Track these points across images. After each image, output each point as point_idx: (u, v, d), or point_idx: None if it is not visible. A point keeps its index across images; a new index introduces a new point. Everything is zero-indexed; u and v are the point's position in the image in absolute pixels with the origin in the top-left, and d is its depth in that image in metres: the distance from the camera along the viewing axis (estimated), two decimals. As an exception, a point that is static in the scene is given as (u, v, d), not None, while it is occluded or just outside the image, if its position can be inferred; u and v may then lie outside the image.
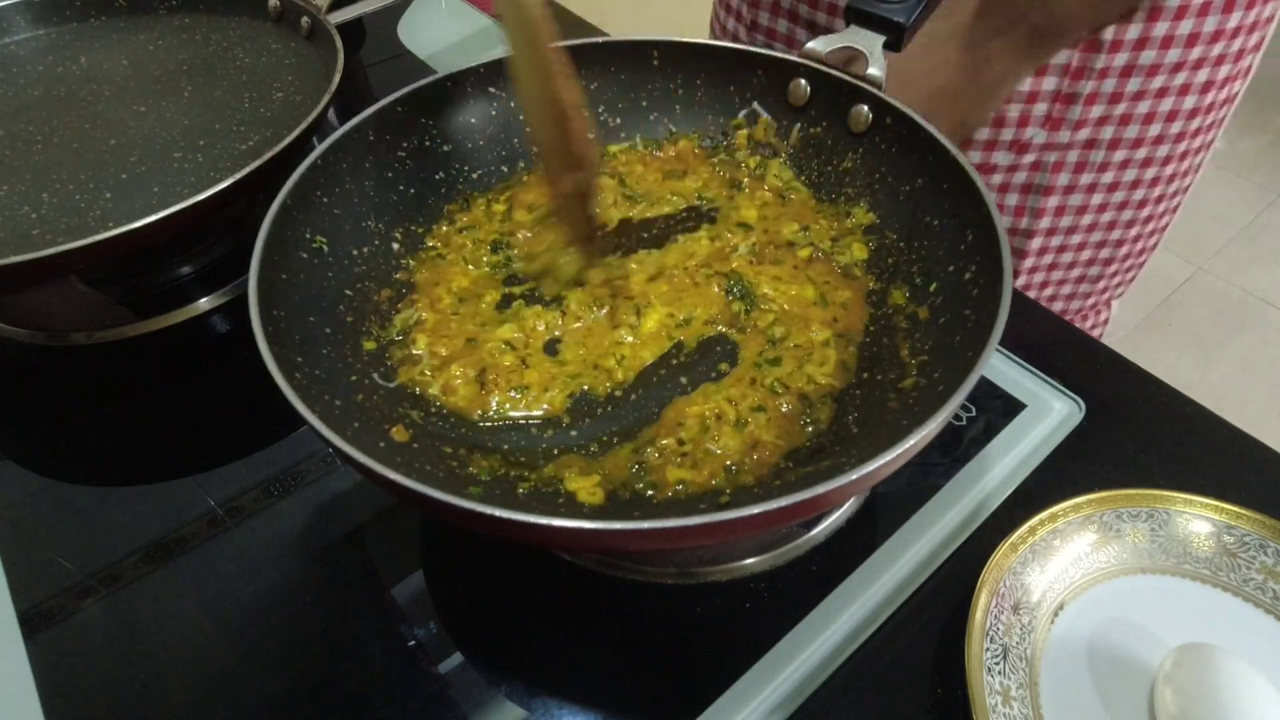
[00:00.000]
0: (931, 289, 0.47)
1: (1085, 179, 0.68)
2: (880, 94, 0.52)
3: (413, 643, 0.45)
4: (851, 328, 0.48)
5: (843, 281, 0.51)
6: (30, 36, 0.80)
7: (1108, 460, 0.49)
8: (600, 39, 0.59)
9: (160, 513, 0.51)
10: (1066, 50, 0.61)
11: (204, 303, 0.63)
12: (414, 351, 0.48)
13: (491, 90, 0.58)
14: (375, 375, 0.46)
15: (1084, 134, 0.66)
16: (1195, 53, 0.61)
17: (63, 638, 0.46)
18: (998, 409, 0.52)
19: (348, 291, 0.49)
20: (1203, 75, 0.63)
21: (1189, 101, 0.64)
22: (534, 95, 0.46)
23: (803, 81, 0.55)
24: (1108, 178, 0.68)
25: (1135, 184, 0.69)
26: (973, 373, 0.35)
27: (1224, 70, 0.64)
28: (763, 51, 0.56)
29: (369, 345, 0.48)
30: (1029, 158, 0.68)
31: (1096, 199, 0.70)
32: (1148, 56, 0.61)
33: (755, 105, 0.58)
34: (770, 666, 0.42)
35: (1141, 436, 0.50)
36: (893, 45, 0.52)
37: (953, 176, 0.47)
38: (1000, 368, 0.55)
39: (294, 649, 0.45)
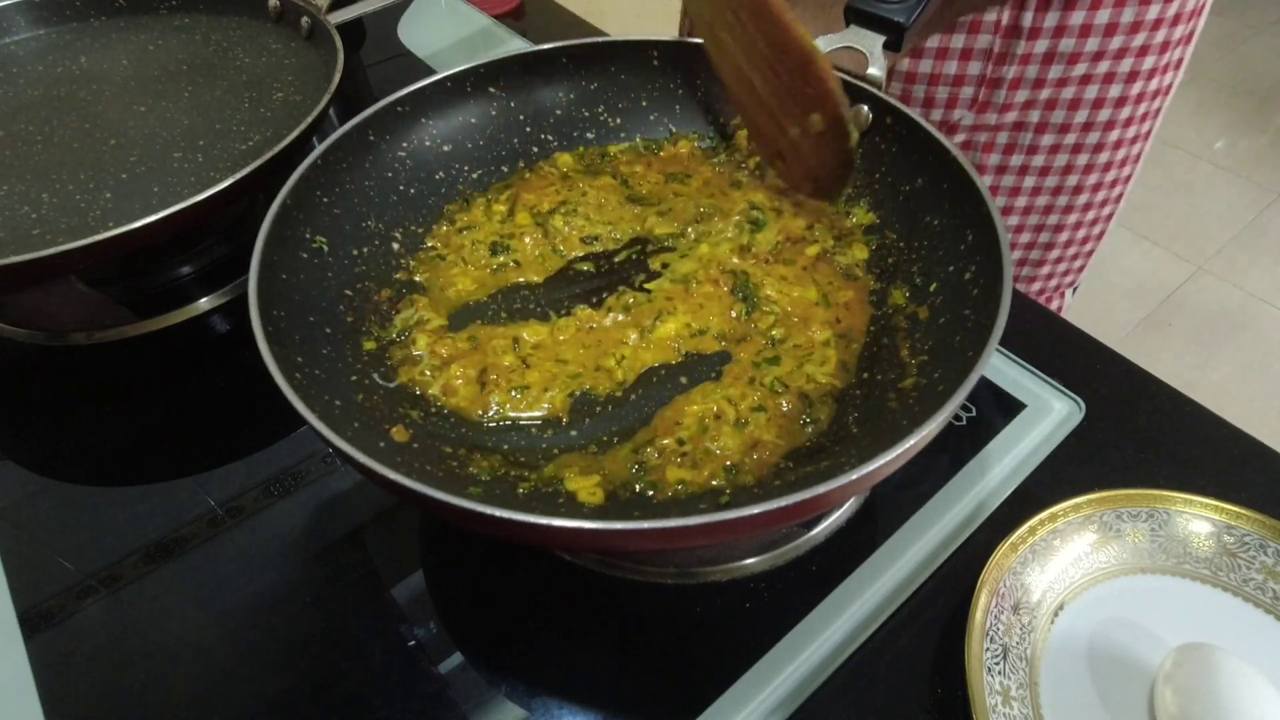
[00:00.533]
0: (931, 289, 0.47)
1: (1015, 160, 0.71)
2: (880, 94, 0.52)
3: (413, 643, 0.45)
4: (853, 328, 0.48)
5: (844, 282, 0.51)
6: (30, 36, 0.80)
7: (1108, 460, 0.49)
8: (600, 39, 0.59)
9: (160, 513, 0.51)
10: (988, 35, 0.63)
11: (204, 303, 0.63)
12: (414, 351, 0.48)
13: (491, 90, 0.58)
14: (375, 375, 0.46)
15: (1011, 116, 0.68)
16: (1115, 42, 0.63)
17: (63, 638, 0.46)
18: (998, 409, 0.52)
19: (348, 291, 0.49)
20: (1126, 65, 0.64)
21: (1114, 90, 0.66)
22: (759, 50, 0.48)
23: (803, 81, 0.55)
24: (1038, 160, 0.71)
25: (1067, 169, 0.71)
26: (973, 373, 0.35)
27: (1149, 61, 0.65)
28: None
29: (369, 345, 0.48)
30: (959, 138, 0.70)
31: (1029, 181, 0.72)
32: (1067, 44, 0.63)
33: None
34: (770, 666, 0.42)
35: (1141, 436, 0.50)
36: (893, 45, 0.52)
37: (953, 176, 0.47)
38: (1000, 368, 0.55)
39: (294, 649, 0.45)
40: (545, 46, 0.58)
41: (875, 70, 0.52)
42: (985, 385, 0.54)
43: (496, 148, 0.59)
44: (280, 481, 0.52)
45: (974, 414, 0.52)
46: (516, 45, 0.90)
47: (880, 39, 0.52)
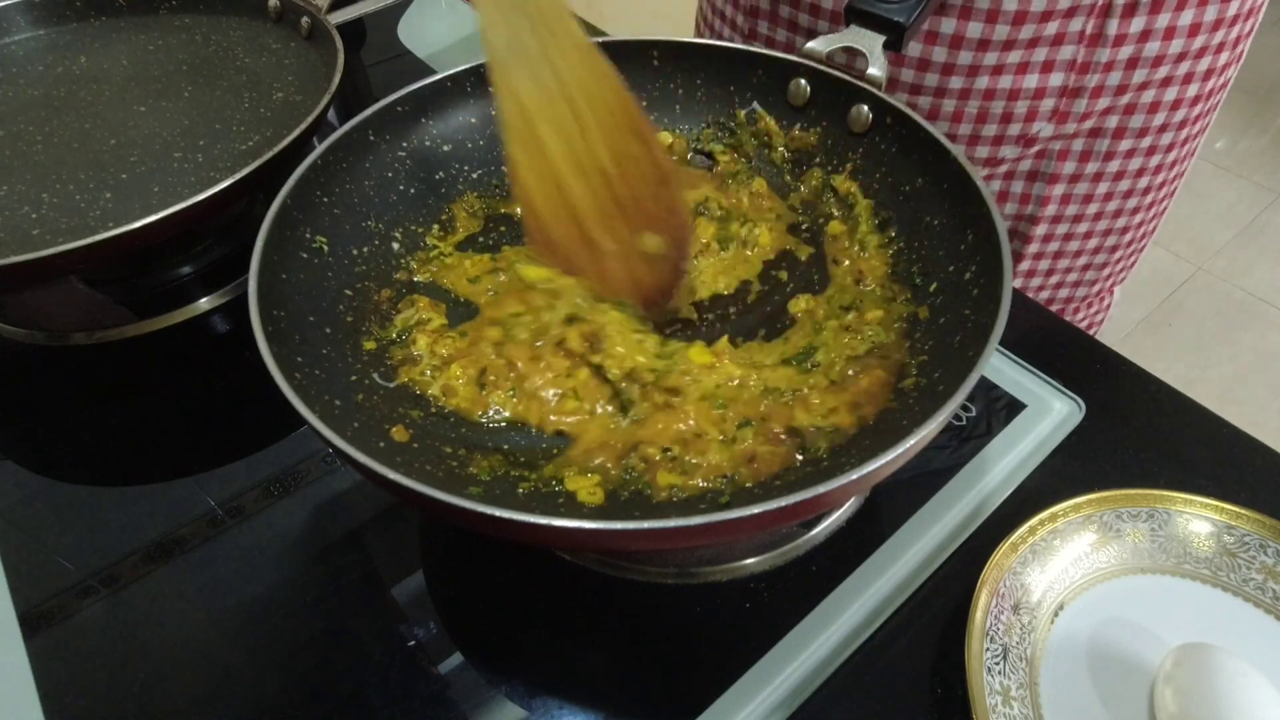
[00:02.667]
0: (932, 289, 0.47)
1: (1091, 168, 0.69)
2: (880, 94, 0.52)
3: (413, 643, 0.45)
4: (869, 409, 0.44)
5: (868, 362, 0.47)
6: (30, 36, 0.80)
7: (1108, 460, 0.49)
8: (600, 39, 0.59)
9: (160, 513, 0.51)
10: (1071, 46, 0.62)
11: (204, 303, 0.63)
12: (414, 351, 0.48)
13: (491, 90, 0.58)
14: (375, 375, 0.46)
15: (1090, 124, 0.66)
16: (1198, 41, 0.62)
17: (63, 638, 0.46)
18: (998, 409, 0.52)
19: (348, 291, 0.49)
20: (1205, 63, 0.64)
21: (1192, 89, 0.65)
22: (596, 159, 0.44)
23: (803, 81, 0.55)
24: (1113, 166, 0.69)
25: (1140, 171, 0.70)
26: (973, 373, 0.35)
27: (1224, 56, 0.64)
28: (763, 51, 0.56)
29: (369, 345, 0.48)
30: (1034, 149, 0.68)
31: (1102, 187, 0.71)
32: (1152, 49, 0.62)
33: (755, 105, 0.58)
34: (770, 666, 0.42)
35: (1141, 436, 0.50)
36: (893, 45, 0.52)
37: (953, 176, 0.47)
38: (1000, 368, 0.55)
39: (294, 649, 0.45)
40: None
41: (875, 70, 0.52)
42: (985, 385, 0.54)
43: (496, 148, 0.59)
44: (280, 481, 0.52)
45: (974, 414, 0.52)
46: (516, 45, 0.90)
47: (880, 39, 0.52)
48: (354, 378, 0.45)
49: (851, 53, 0.53)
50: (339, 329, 0.47)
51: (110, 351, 0.61)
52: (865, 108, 0.52)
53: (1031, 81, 0.64)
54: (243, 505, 0.51)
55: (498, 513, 0.32)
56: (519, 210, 0.51)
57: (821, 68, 0.54)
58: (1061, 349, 0.56)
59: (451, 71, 0.56)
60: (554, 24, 0.44)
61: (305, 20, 0.74)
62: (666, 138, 0.60)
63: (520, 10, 0.43)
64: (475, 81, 0.57)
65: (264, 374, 0.37)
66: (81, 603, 0.47)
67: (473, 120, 0.58)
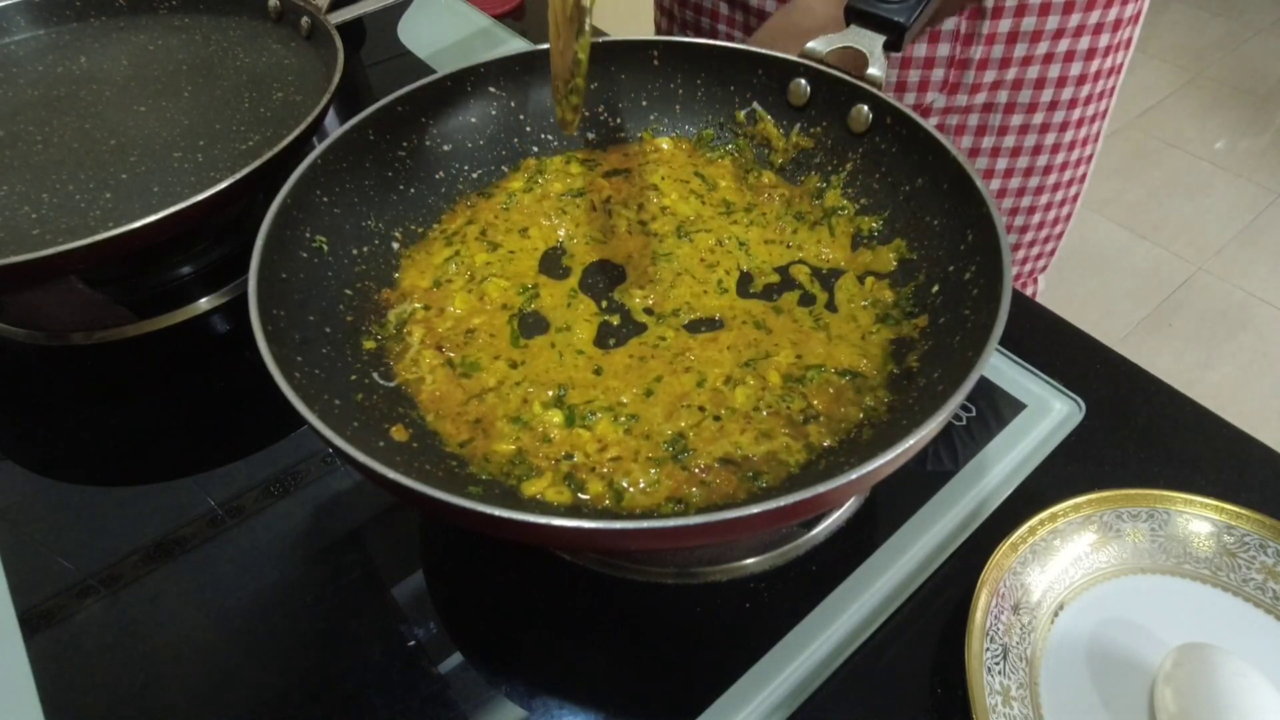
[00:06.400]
0: (933, 290, 0.47)
1: (987, 142, 0.73)
2: (880, 94, 0.52)
3: (413, 643, 0.45)
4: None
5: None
6: (30, 36, 0.80)
7: (1108, 460, 0.49)
8: (600, 39, 0.59)
9: (160, 513, 0.51)
10: (954, 17, 0.66)
11: (204, 303, 0.63)
12: (410, 342, 0.48)
13: (491, 90, 0.58)
14: (375, 375, 0.46)
15: (980, 98, 0.70)
16: (1074, 20, 0.66)
17: (63, 638, 0.46)
18: (998, 409, 0.52)
19: (348, 291, 0.49)
20: (1084, 42, 0.68)
21: (1075, 68, 0.69)
22: None
23: (803, 81, 0.55)
24: (1009, 141, 0.73)
25: (1036, 149, 0.74)
26: (973, 373, 0.35)
27: (1104, 39, 0.68)
28: (763, 51, 0.56)
29: (369, 345, 0.48)
30: (932, 120, 0.71)
31: (1001, 163, 0.75)
32: (1029, 23, 0.66)
33: (755, 105, 0.58)
34: (770, 666, 0.42)
35: (1141, 436, 0.50)
36: (893, 45, 0.52)
37: (953, 176, 0.47)
38: (1000, 368, 0.55)
39: (294, 649, 0.45)
40: (545, 46, 0.58)
41: (875, 70, 0.52)
42: (985, 385, 0.54)
43: (496, 148, 0.59)
44: (280, 481, 0.52)
45: (974, 414, 0.52)
46: (516, 45, 0.90)
47: (880, 39, 0.52)
48: (354, 378, 0.45)
49: (851, 52, 0.53)
50: (339, 329, 0.47)
51: (110, 351, 0.61)
52: (865, 108, 0.52)
53: (921, 50, 0.68)
54: (243, 505, 0.51)
55: (498, 513, 0.32)
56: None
57: (821, 68, 0.54)
58: (1061, 349, 0.56)
59: (451, 71, 0.56)
60: None
61: (305, 20, 0.74)
62: (665, 143, 0.60)
63: None
64: (475, 81, 0.57)
65: (264, 374, 0.37)
66: (81, 603, 0.47)
67: (473, 120, 0.58)
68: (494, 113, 0.59)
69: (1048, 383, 0.54)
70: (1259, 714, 0.35)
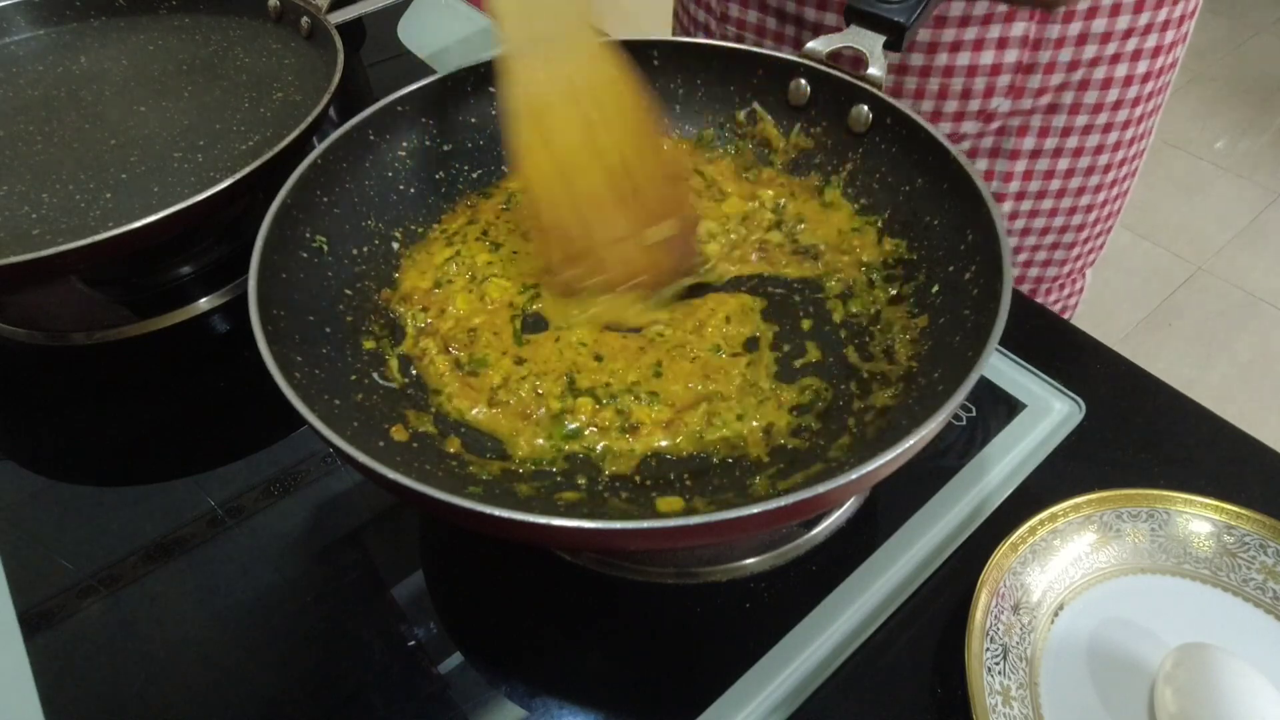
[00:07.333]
0: (933, 290, 0.47)
1: (1050, 143, 0.72)
2: (880, 94, 0.52)
3: (413, 643, 0.45)
4: None
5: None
6: (30, 36, 0.80)
7: (1108, 460, 0.49)
8: (600, 40, 0.59)
9: (160, 513, 0.51)
10: (1023, 22, 0.64)
11: (204, 303, 0.63)
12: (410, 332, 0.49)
13: (491, 90, 0.58)
14: (375, 375, 0.46)
15: (1045, 100, 0.69)
16: (1143, 19, 0.65)
17: (63, 638, 0.46)
18: (998, 409, 0.52)
19: (348, 291, 0.49)
20: (1151, 40, 0.67)
21: (1141, 66, 0.68)
22: (606, 159, 0.46)
23: (803, 81, 0.55)
24: (1071, 141, 0.72)
25: (1099, 149, 0.73)
26: (973, 373, 0.35)
27: (1170, 35, 0.67)
28: (763, 51, 0.56)
29: (369, 345, 0.48)
30: (995, 124, 0.71)
31: (1062, 163, 0.73)
32: (1099, 25, 0.65)
33: (755, 105, 0.58)
34: (770, 666, 0.42)
35: (1141, 436, 0.50)
36: (893, 45, 0.52)
37: (953, 176, 0.47)
38: (1000, 368, 0.55)
39: (294, 649, 0.45)
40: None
41: (875, 70, 0.52)
42: (985, 385, 0.54)
43: (496, 147, 0.59)
44: (280, 481, 0.52)
45: (974, 414, 0.52)
46: (516, 45, 0.90)
47: (880, 39, 0.52)
48: (354, 378, 0.45)
49: (850, 52, 0.53)
50: (339, 329, 0.47)
51: (110, 351, 0.61)
52: (865, 108, 0.52)
53: (987, 58, 0.66)
54: (243, 505, 0.51)
55: (498, 513, 0.32)
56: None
57: (821, 68, 0.54)
58: (1061, 349, 0.56)
59: (451, 71, 0.56)
60: (571, 27, 0.47)
61: (305, 20, 0.74)
62: (665, 143, 0.60)
63: (540, 9, 0.47)
64: (475, 81, 0.57)
65: (264, 374, 0.37)
66: (81, 603, 0.47)
67: (473, 120, 0.58)
68: (494, 113, 0.59)
69: (1048, 383, 0.54)
70: (1259, 714, 0.35)
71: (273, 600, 0.47)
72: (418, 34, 0.95)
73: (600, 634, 0.45)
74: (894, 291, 0.49)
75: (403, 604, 0.47)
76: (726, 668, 0.42)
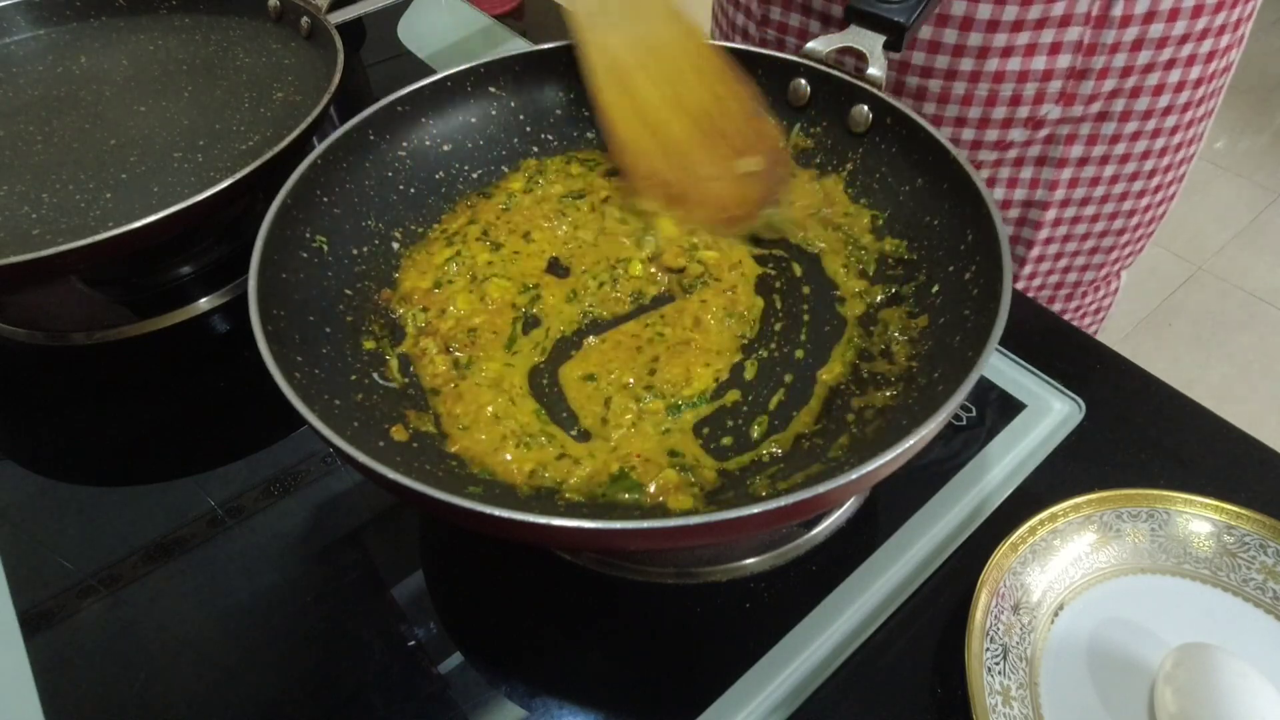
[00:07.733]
0: (932, 290, 0.47)
1: (1098, 151, 0.70)
2: (880, 94, 0.52)
3: (413, 643, 0.45)
4: None
5: None
6: (30, 36, 0.80)
7: (1108, 460, 0.49)
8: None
9: (160, 513, 0.51)
10: (1078, 27, 0.62)
11: (204, 303, 0.63)
12: (409, 331, 0.49)
13: (491, 90, 0.58)
14: (375, 375, 0.46)
15: (1096, 107, 0.67)
16: (1200, 23, 0.63)
17: (63, 638, 0.46)
18: (998, 409, 0.52)
19: (347, 291, 0.49)
20: (1207, 45, 0.64)
21: (1195, 72, 0.66)
22: (688, 100, 0.50)
23: (803, 81, 0.55)
24: (1120, 149, 0.70)
25: (1146, 154, 0.71)
26: (973, 373, 0.35)
27: (1225, 39, 0.65)
28: (762, 51, 0.56)
29: (369, 345, 0.48)
30: (1043, 132, 0.69)
31: (1109, 170, 0.71)
32: (1156, 30, 0.62)
33: (755, 105, 0.58)
34: (770, 666, 0.42)
35: (1141, 436, 0.50)
36: (893, 45, 0.52)
37: (953, 176, 0.47)
38: (1000, 368, 0.55)
39: (294, 649, 0.45)
40: (545, 46, 0.58)
41: (875, 70, 0.52)
42: (985, 385, 0.54)
43: (496, 148, 0.59)
44: (280, 481, 0.52)
45: (974, 414, 0.52)
46: (516, 45, 0.90)
47: (880, 39, 0.52)
48: (354, 377, 0.45)
49: (851, 52, 0.53)
50: (339, 329, 0.47)
51: (110, 351, 0.61)
52: (865, 108, 0.52)
53: (1039, 63, 0.65)
54: (243, 505, 0.51)
55: (498, 513, 0.32)
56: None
57: (821, 68, 0.54)
58: (1061, 349, 0.56)
59: (451, 71, 0.56)
60: None
61: (305, 20, 0.74)
62: None
63: None
64: (475, 81, 0.57)
65: (264, 374, 0.37)
66: (81, 603, 0.47)
67: (473, 120, 0.58)
68: (494, 113, 0.59)
69: (1048, 383, 0.54)
70: (1259, 714, 0.35)
71: (273, 600, 0.47)
72: (418, 34, 0.95)
73: (600, 634, 0.45)
74: (894, 291, 0.49)
75: (403, 604, 0.47)
76: (726, 668, 0.42)
